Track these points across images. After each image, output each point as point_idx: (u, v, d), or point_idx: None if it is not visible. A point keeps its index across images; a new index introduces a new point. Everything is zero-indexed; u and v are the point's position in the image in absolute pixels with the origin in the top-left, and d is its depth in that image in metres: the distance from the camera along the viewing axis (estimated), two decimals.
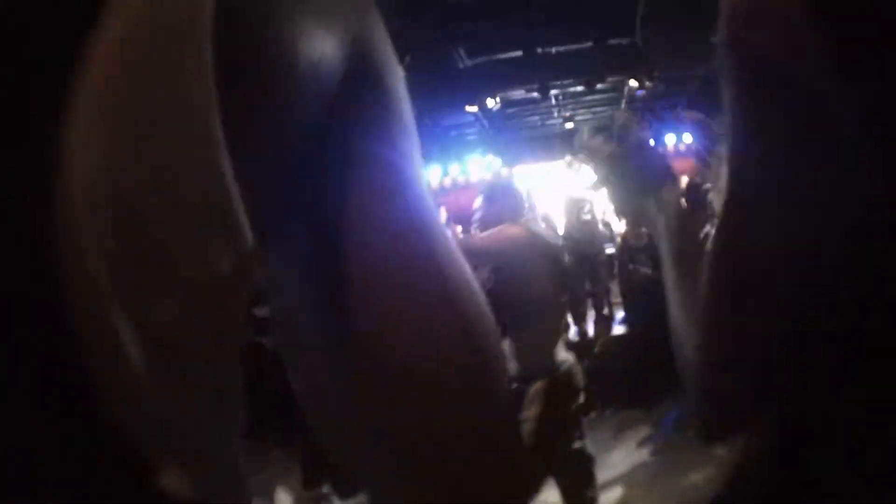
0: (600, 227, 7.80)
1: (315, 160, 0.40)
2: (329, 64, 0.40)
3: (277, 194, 0.40)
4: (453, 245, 0.46)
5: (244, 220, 0.32)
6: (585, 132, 1.03)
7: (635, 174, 0.96)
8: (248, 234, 0.32)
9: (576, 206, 7.83)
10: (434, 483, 0.44)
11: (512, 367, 3.04)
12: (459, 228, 9.08)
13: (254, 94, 0.36)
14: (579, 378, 3.11)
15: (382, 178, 0.43)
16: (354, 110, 0.42)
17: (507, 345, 3.04)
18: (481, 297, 0.47)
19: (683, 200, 0.92)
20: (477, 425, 0.45)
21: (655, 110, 9.45)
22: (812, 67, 0.47)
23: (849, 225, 0.47)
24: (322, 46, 0.39)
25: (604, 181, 1.01)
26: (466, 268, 0.46)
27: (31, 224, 0.29)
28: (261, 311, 0.46)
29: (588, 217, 7.79)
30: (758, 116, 0.51)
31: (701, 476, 3.84)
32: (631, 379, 5.64)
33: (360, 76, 0.42)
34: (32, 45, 0.31)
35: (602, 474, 4.53)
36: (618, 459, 4.96)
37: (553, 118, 12.13)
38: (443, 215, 9.04)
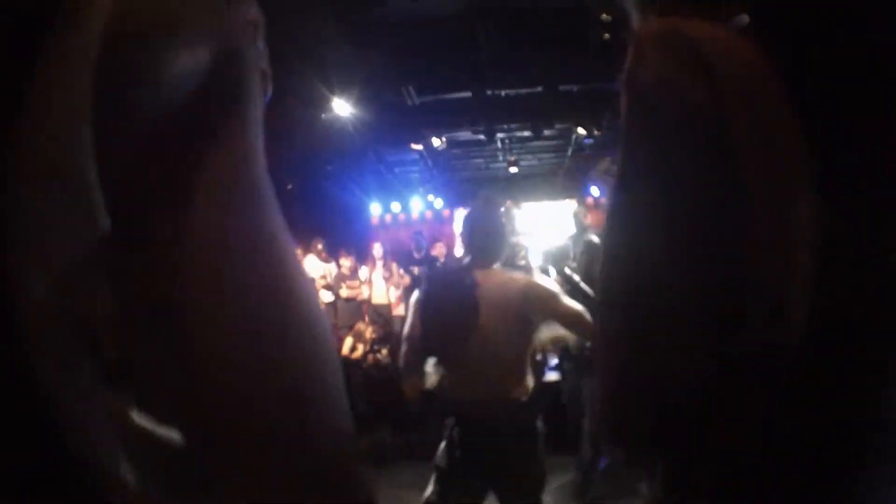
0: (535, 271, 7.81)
1: (171, 166, 0.42)
2: (194, 75, 0.42)
3: (135, 192, 0.41)
4: (298, 263, 0.49)
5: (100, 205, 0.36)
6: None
7: None
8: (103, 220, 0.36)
9: (511, 251, 7.87)
10: None
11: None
12: (395, 266, 9.09)
13: (123, 100, 0.39)
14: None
15: (233, 190, 0.45)
16: (214, 121, 0.44)
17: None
18: (323, 319, 0.49)
19: None
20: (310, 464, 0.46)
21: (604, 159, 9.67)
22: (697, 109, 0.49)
23: (724, 260, 0.49)
24: (190, 58, 0.42)
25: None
26: (309, 287, 0.49)
27: None
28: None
29: (523, 262, 7.84)
30: (642, 148, 0.54)
31: None
32: (561, 423, 5.63)
33: (223, 89, 0.44)
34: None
35: None
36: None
37: (498, 161, 12.23)
38: (379, 251, 9.00)
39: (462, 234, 3.28)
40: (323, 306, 0.49)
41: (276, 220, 0.48)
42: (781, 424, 0.49)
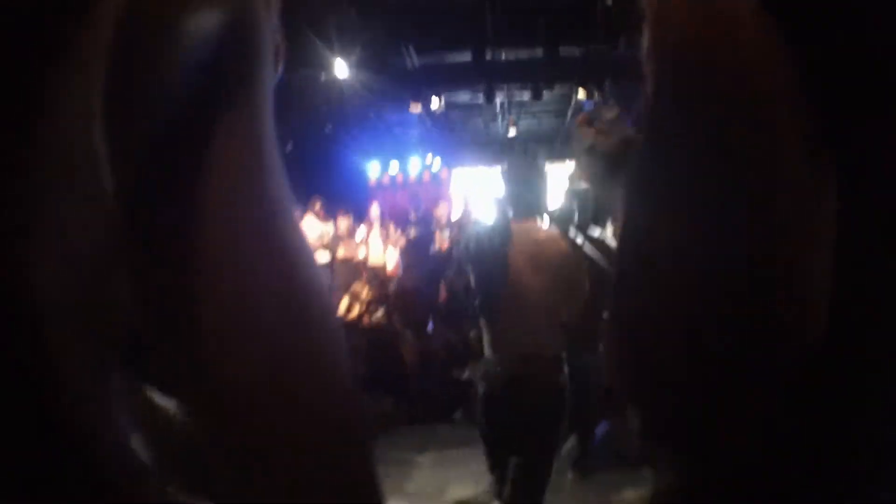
0: None
1: (179, 140, 0.41)
2: (207, 45, 0.40)
3: (143, 168, 0.40)
4: (305, 241, 0.47)
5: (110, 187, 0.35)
6: (581, 128, 1.00)
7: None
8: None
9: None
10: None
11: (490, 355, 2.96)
12: (392, 227, 9.10)
13: (132, 70, 0.37)
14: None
15: (244, 175, 0.43)
16: (224, 102, 0.42)
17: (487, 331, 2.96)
18: (329, 304, 0.49)
19: None
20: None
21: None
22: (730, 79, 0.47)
23: (747, 245, 0.47)
24: (202, 28, 0.40)
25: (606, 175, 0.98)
26: (315, 268, 0.47)
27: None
28: None
29: None
30: (669, 121, 0.51)
31: (632, 494, 3.81)
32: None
33: (236, 60, 0.43)
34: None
35: None
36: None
37: (497, 123, 12.14)
38: (376, 211, 9.00)
39: (503, 188, 3.14)
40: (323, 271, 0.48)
41: (288, 206, 0.46)
42: (782, 424, 0.48)
